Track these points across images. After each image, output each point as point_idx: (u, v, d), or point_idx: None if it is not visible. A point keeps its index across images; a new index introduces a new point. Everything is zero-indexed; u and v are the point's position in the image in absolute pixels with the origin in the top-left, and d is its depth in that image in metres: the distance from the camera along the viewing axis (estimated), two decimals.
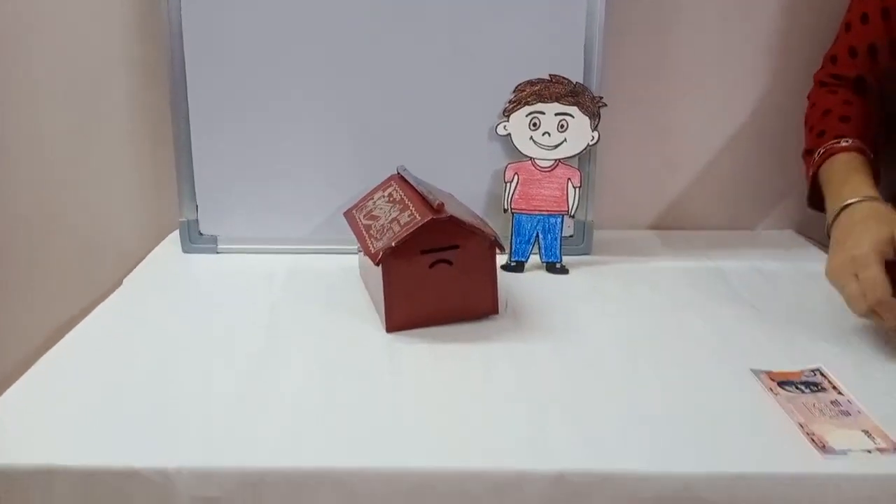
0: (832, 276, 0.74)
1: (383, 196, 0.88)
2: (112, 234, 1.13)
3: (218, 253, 1.01)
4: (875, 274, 0.69)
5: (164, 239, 1.06)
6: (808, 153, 0.90)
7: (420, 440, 0.61)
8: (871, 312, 0.70)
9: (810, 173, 0.88)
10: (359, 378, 0.71)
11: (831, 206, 0.80)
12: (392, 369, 0.72)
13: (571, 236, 1.01)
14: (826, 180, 0.85)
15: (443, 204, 0.76)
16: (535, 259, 0.97)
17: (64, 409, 0.65)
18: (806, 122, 0.95)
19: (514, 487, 0.57)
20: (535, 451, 0.60)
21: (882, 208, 0.76)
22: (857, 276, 0.70)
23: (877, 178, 0.83)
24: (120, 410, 0.65)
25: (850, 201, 0.77)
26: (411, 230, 0.76)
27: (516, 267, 0.97)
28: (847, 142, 0.84)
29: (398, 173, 0.91)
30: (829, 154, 0.84)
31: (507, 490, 0.57)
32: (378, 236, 0.79)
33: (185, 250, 1.01)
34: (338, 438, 0.62)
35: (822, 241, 1.09)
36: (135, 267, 0.97)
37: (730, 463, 0.58)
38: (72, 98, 1.07)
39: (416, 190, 0.83)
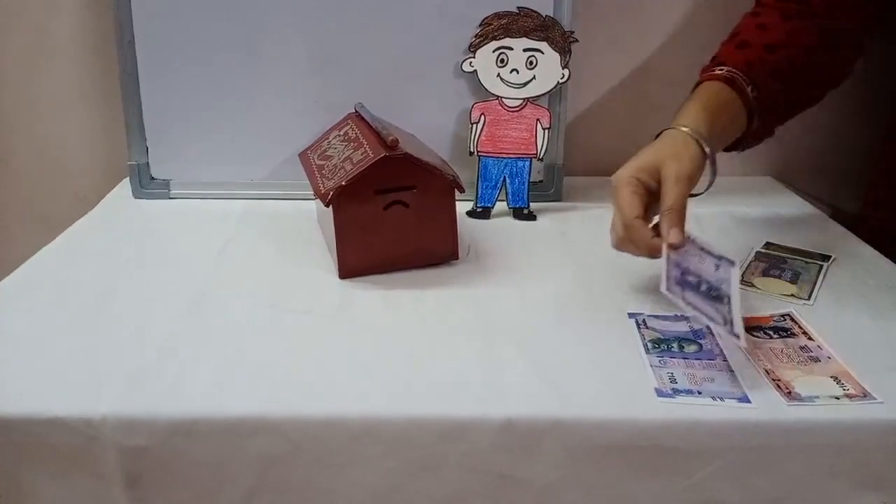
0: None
1: (338, 135, 0.83)
2: (65, 179, 1.08)
3: (171, 198, 0.96)
4: (619, 198, 0.68)
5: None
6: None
7: (364, 386, 0.58)
8: (620, 243, 0.68)
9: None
10: (303, 322, 0.67)
11: None
12: (341, 313, 0.68)
13: (541, 181, 0.96)
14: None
15: (397, 140, 0.72)
16: (501, 205, 0.93)
17: None
18: None
19: (461, 434, 0.54)
20: (486, 398, 0.56)
21: (675, 137, 0.71)
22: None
23: (749, 106, 0.77)
24: (45, 356, 0.61)
25: (666, 128, 0.73)
26: (363, 168, 0.71)
27: (482, 213, 0.92)
28: (721, 70, 0.78)
29: (355, 111, 0.86)
30: (701, 81, 0.80)
31: (454, 437, 0.54)
32: (330, 176, 0.75)
33: (136, 195, 0.96)
34: (276, 385, 0.58)
35: (802, 187, 1.06)
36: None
37: (691, 410, 0.55)
38: (17, 36, 1.01)
39: (372, 127, 0.78)
